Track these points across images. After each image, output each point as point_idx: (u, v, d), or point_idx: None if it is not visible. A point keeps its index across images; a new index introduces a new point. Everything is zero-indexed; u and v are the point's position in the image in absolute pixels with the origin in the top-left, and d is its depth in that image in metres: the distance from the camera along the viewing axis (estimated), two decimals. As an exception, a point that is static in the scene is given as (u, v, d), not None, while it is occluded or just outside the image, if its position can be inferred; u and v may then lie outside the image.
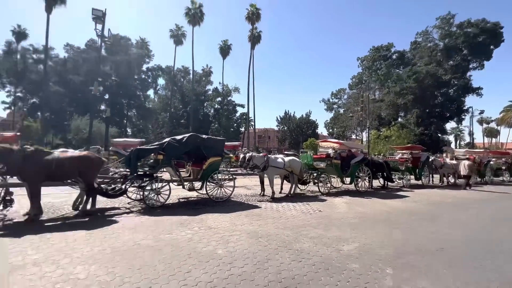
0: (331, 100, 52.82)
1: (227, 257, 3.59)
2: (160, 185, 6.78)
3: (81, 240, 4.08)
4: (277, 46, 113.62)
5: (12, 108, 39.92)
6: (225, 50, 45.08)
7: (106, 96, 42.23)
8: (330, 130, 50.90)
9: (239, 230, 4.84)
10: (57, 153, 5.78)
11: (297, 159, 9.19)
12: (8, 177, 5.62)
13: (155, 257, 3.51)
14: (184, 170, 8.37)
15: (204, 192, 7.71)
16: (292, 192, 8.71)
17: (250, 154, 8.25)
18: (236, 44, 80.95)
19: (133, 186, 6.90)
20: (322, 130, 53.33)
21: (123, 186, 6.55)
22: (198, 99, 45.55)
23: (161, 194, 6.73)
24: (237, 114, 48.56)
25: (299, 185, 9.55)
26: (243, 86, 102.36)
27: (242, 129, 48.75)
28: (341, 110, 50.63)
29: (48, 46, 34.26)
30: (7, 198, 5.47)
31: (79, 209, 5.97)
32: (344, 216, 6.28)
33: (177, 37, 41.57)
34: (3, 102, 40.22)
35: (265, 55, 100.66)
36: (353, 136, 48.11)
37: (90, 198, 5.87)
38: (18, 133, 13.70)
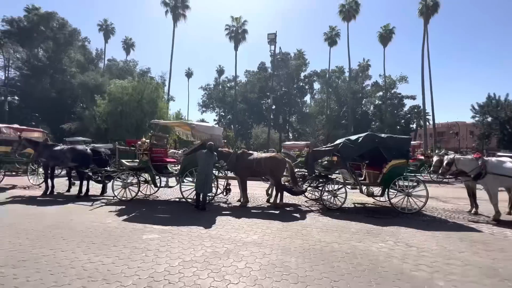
0: None
1: (457, 296, 2.64)
2: (336, 187, 6.66)
3: (285, 231, 4.64)
4: (463, 8, 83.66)
5: (219, 123, 57.37)
6: (386, 36, 39.47)
7: (273, 107, 50.12)
8: None
9: (460, 259, 3.57)
10: (255, 154, 7.21)
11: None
12: (228, 172, 7.73)
13: (357, 268, 3.25)
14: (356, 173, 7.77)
15: (384, 199, 6.73)
16: (537, 216, 5.59)
17: (453, 156, 6.18)
18: (400, 26, 67.98)
19: (310, 186, 7.28)
20: None
21: (303, 186, 7.06)
22: (355, 97, 42.89)
23: (338, 197, 6.57)
24: (405, 108, 40.66)
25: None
26: (412, 73, 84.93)
27: (413, 125, 40.10)
28: None
29: (236, 76, 46.29)
30: (227, 187, 7.51)
31: (271, 201, 7.10)
32: None
33: (331, 39, 41.61)
34: (214, 120, 58.91)
35: (444, 28, 77.32)
36: None
37: (279, 194, 6.79)
38: (225, 141, 19.17)
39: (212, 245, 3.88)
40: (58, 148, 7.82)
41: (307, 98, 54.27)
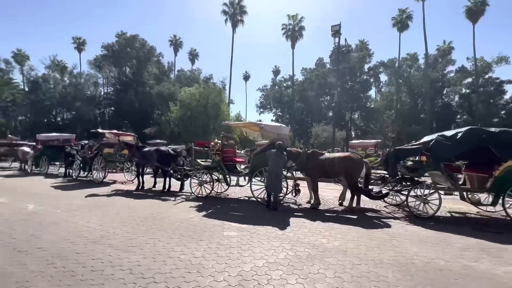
0: None
1: None
2: (426, 191, 5.69)
3: (371, 240, 4.17)
4: None
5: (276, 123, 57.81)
6: (476, 10, 32.67)
7: (333, 104, 47.46)
8: None
9: None
10: (327, 154, 6.79)
11: None
12: (296, 172, 7.53)
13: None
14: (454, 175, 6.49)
15: (495, 209, 5.42)
16: None
17: None
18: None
19: (393, 190, 6.44)
20: None
21: (383, 189, 6.30)
22: (433, 87, 36.78)
23: (429, 203, 5.60)
24: (506, 96, 32.80)
25: None
26: None
27: (518, 117, 32.02)
28: None
29: (293, 75, 45.76)
30: (297, 188, 7.30)
31: (344, 204, 6.57)
32: None
33: (401, 23, 36.86)
34: (272, 120, 59.53)
35: None
36: None
37: (355, 197, 6.21)
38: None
39: (293, 248, 3.74)
40: (146, 149, 9.05)
41: (372, 92, 49.43)
